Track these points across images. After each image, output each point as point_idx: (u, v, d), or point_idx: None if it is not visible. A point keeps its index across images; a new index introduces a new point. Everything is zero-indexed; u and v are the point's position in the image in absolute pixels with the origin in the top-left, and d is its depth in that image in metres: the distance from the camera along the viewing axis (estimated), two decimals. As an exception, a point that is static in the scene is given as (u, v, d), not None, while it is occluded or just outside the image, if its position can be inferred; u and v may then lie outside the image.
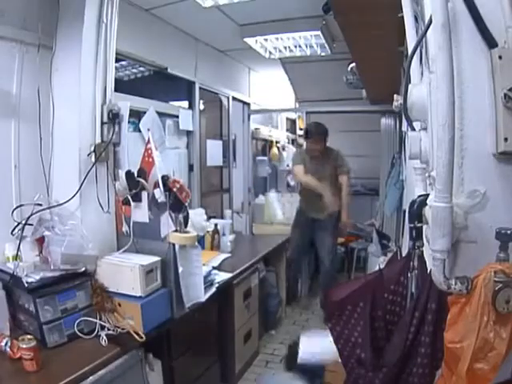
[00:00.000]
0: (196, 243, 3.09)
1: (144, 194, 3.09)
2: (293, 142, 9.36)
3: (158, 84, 5.14)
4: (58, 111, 3.06)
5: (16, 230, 2.73)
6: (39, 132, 3.01)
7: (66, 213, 2.87)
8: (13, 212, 2.79)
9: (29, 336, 2.30)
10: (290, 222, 6.44)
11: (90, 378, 2.30)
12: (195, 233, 3.08)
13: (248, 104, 7.40)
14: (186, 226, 3.05)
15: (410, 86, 1.71)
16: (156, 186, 3.01)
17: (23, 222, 2.72)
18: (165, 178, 2.97)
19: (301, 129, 9.24)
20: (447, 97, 1.35)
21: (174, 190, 2.96)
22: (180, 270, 2.91)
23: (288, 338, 5.15)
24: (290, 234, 6.24)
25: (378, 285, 1.93)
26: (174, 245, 2.92)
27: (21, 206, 2.84)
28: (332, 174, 5.92)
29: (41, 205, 2.79)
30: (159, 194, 2.98)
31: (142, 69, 4.91)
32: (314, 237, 6.14)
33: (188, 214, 3.09)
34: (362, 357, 1.89)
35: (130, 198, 3.10)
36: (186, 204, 3.05)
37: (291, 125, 9.65)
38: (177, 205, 2.99)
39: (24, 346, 2.23)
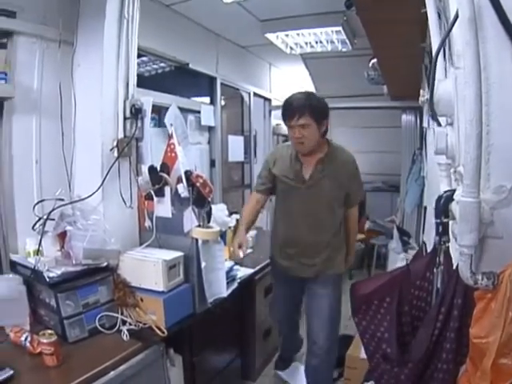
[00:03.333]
0: (219, 238, 3.08)
1: (167, 189, 3.08)
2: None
3: (180, 80, 5.14)
4: (80, 106, 3.07)
5: (37, 224, 2.73)
6: (61, 127, 3.03)
7: (89, 208, 2.87)
8: (34, 207, 2.79)
9: (49, 331, 2.30)
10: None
11: (111, 372, 2.30)
12: (218, 228, 3.07)
13: (269, 100, 7.40)
14: (208, 221, 3.04)
15: (436, 81, 1.69)
16: (179, 181, 3.00)
17: (45, 216, 2.72)
18: (188, 173, 2.96)
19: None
20: (475, 93, 1.33)
21: (198, 185, 2.95)
22: (203, 265, 2.90)
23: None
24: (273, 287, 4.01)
25: (404, 280, 1.92)
26: (196, 240, 2.91)
27: (42, 201, 2.84)
28: (333, 199, 3.38)
29: (63, 200, 2.79)
30: (182, 189, 2.96)
31: (162, 64, 4.91)
32: (302, 298, 3.77)
33: (211, 209, 3.08)
34: (388, 352, 1.89)
35: (152, 193, 3.10)
36: (209, 199, 3.04)
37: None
38: (200, 200, 2.98)
39: (45, 341, 2.23)
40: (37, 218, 2.75)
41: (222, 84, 5.72)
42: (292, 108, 3.21)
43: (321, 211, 3.39)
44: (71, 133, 3.07)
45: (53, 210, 2.74)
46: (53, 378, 2.21)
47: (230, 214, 4.73)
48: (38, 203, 2.82)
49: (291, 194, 3.44)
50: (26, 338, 2.37)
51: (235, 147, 6.27)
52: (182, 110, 4.58)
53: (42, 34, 2.93)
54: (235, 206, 6.28)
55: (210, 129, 5.58)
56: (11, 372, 2.10)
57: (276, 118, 7.59)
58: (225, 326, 3.64)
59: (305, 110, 3.15)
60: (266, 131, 7.34)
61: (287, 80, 8.24)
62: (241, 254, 3.41)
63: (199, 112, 5.22)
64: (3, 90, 2.74)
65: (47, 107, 3.02)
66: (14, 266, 2.78)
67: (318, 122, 3.22)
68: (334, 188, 3.35)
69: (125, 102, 3.12)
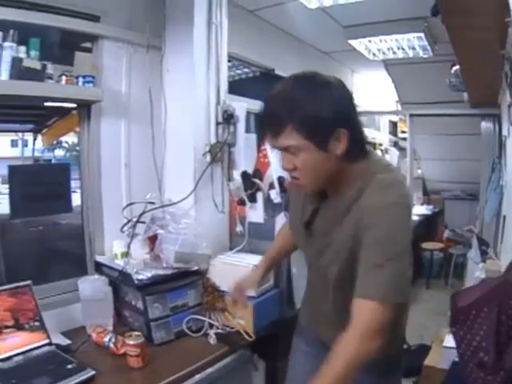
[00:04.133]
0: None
1: (259, 195, 3.09)
2: (395, 144, 9.20)
3: (265, 85, 5.14)
4: (171, 111, 3.11)
5: (126, 227, 2.77)
6: (151, 131, 3.07)
7: (180, 212, 2.88)
8: (124, 209, 2.83)
9: (136, 332, 2.30)
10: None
11: (197, 376, 2.29)
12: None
13: (352, 106, 7.33)
14: (299, 227, 3.04)
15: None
16: (271, 186, 3.02)
17: (134, 219, 2.75)
18: (281, 179, 2.97)
19: (403, 131, 9.00)
20: None
21: (290, 191, 2.96)
22: (293, 270, 2.89)
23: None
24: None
25: (503, 290, 1.89)
26: (287, 246, 2.90)
27: (132, 203, 2.88)
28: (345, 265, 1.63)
29: (153, 203, 2.81)
30: (275, 195, 2.99)
31: (246, 70, 4.93)
32: None
33: (302, 215, 3.07)
34: (484, 360, 1.86)
35: (245, 198, 3.11)
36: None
37: (393, 128, 9.51)
38: (292, 206, 2.99)
39: (131, 343, 2.22)
40: (125, 221, 2.78)
41: (306, 90, 5.68)
42: (263, 117, 1.59)
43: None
44: (162, 137, 3.12)
45: (143, 212, 2.75)
46: (137, 380, 2.21)
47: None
48: (127, 206, 2.87)
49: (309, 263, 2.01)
50: (109, 339, 2.38)
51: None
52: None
53: (127, 39, 2.97)
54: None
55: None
56: (93, 372, 2.10)
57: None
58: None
59: (284, 119, 1.49)
60: (348, 138, 7.30)
61: (370, 86, 8.18)
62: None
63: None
64: (91, 94, 2.75)
65: (136, 111, 3.05)
66: (99, 267, 2.83)
67: (320, 142, 1.50)
68: (344, 248, 1.63)
69: (217, 107, 3.14)
